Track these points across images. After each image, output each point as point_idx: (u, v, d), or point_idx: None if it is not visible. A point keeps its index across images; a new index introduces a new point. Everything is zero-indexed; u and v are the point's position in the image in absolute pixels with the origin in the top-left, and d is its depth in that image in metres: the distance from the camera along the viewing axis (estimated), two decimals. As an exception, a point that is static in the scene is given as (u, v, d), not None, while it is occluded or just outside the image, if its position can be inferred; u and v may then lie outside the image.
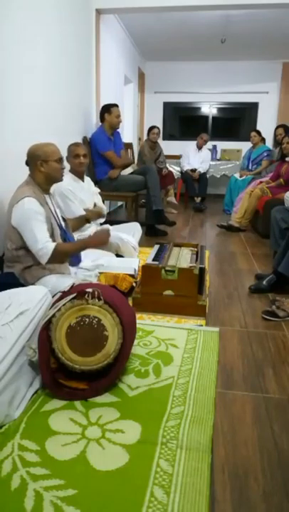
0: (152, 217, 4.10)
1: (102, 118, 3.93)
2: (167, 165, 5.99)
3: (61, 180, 2.20)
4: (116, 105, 3.92)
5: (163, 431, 1.31)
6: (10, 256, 2.09)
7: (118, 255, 2.82)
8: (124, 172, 4.15)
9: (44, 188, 2.13)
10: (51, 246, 1.97)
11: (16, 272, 2.08)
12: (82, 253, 2.56)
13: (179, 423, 1.36)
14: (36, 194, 2.03)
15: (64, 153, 2.94)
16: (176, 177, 6.24)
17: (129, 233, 2.98)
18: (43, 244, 1.96)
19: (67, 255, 2.15)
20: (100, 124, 3.96)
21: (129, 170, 4.20)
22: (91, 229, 2.95)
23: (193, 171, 6.21)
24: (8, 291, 1.58)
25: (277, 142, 5.46)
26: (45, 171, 2.07)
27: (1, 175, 2.39)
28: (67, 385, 1.49)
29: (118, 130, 4.09)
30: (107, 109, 3.88)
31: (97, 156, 3.87)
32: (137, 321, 1.86)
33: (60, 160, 2.12)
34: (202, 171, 6.24)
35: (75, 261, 2.42)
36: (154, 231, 4.16)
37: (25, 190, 2.03)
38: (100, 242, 2.34)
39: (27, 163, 2.12)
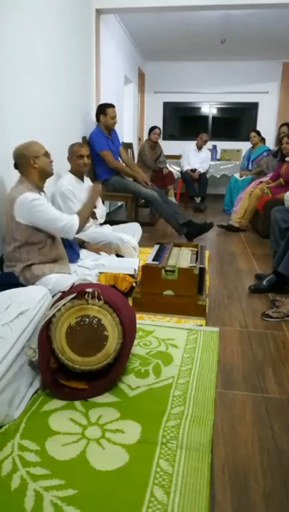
0: (188, 232, 3.93)
1: (97, 118, 3.88)
2: (167, 165, 5.99)
3: (52, 173, 2.23)
4: (112, 105, 3.85)
5: (163, 431, 1.31)
6: (11, 256, 2.10)
7: (118, 255, 2.82)
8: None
9: (39, 185, 2.17)
10: (75, 217, 2.18)
11: (16, 271, 2.09)
12: (83, 253, 2.57)
13: (179, 423, 1.35)
14: (33, 191, 2.08)
15: (65, 153, 2.95)
16: (176, 177, 6.24)
17: (129, 233, 2.99)
18: (67, 219, 2.13)
19: (86, 218, 2.36)
20: (96, 123, 3.92)
21: None
22: (91, 229, 2.95)
23: (193, 171, 6.21)
24: (8, 291, 1.58)
25: (280, 141, 5.44)
26: (38, 166, 2.12)
27: (3, 175, 2.39)
28: (67, 385, 1.49)
29: (115, 129, 4.07)
30: (103, 110, 3.82)
31: (96, 156, 3.86)
32: (137, 321, 1.86)
33: (47, 154, 2.18)
34: (202, 171, 6.23)
35: (74, 257, 2.42)
36: (195, 234, 3.98)
37: (21, 188, 2.07)
38: (96, 193, 2.45)
39: (16, 166, 2.15)
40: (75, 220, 2.17)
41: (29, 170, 2.12)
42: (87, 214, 2.35)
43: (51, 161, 2.20)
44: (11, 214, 2.04)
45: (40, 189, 2.17)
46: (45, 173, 2.17)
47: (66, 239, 2.30)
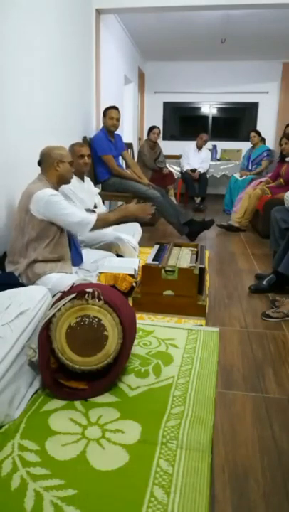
0: (189, 231, 3.91)
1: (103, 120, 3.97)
2: (167, 165, 5.99)
3: (69, 182, 2.32)
4: (112, 107, 3.90)
5: (163, 431, 1.31)
6: (16, 252, 2.12)
7: (118, 255, 2.82)
8: None
9: (55, 187, 2.22)
10: (93, 216, 2.23)
11: (18, 269, 2.10)
12: (84, 253, 2.57)
13: (179, 423, 1.35)
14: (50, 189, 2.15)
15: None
16: (176, 177, 6.25)
17: (129, 233, 2.98)
18: (84, 216, 2.20)
19: (107, 223, 2.36)
20: (102, 125, 3.97)
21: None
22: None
23: (193, 171, 6.21)
24: (8, 291, 1.58)
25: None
26: (60, 171, 2.19)
27: (5, 174, 2.39)
28: (67, 385, 1.49)
29: (118, 133, 4.08)
30: (103, 113, 3.91)
31: (97, 157, 3.87)
32: (137, 321, 1.86)
33: (72, 163, 2.27)
34: (202, 171, 6.23)
35: (78, 260, 2.43)
36: (196, 232, 3.96)
37: (39, 185, 2.13)
38: (144, 212, 2.47)
39: (39, 163, 2.21)
40: (92, 219, 2.22)
41: (51, 171, 2.19)
42: (112, 219, 2.35)
43: (73, 171, 2.30)
44: (26, 208, 2.08)
45: (55, 190, 2.21)
46: (64, 179, 2.25)
47: (71, 241, 2.32)
